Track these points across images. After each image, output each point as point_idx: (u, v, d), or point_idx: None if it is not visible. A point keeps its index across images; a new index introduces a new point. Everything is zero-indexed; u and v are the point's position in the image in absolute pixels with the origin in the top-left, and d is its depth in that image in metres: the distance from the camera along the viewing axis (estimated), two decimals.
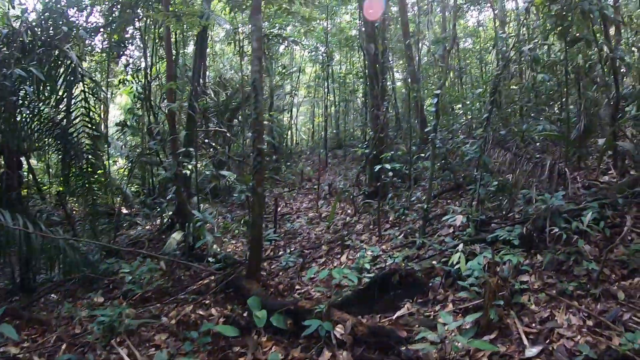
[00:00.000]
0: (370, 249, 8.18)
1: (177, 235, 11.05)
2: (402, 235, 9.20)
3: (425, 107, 14.59)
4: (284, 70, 26.34)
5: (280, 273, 9.37)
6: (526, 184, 9.20)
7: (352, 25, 23.45)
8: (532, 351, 4.91)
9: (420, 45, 19.64)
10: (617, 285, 5.83)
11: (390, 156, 10.63)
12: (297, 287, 8.40)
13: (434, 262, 6.93)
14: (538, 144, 10.92)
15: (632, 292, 5.64)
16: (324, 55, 22.00)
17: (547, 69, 12.59)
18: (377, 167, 9.98)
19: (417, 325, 5.78)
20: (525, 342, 5.12)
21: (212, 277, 8.50)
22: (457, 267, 6.28)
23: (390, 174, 11.82)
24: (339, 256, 9.58)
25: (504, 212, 8.38)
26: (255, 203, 8.36)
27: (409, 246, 8.49)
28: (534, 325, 5.42)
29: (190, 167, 11.26)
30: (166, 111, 12.06)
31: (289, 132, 28.52)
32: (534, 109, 13.48)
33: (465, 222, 7.41)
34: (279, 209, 15.58)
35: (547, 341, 5.10)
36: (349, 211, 12.86)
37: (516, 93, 14.57)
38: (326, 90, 22.84)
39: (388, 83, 14.88)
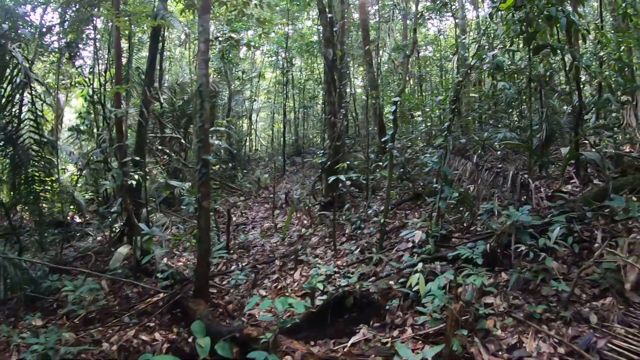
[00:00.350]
0: (323, 267, 7.48)
1: (123, 250, 10.13)
2: (359, 249, 8.55)
3: (384, 114, 14.05)
4: (243, 75, 25.59)
5: (232, 290, 8.65)
6: (488, 195, 8.71)
7: (313, 31, 22.89)
8: None
9: (380, 52, 19.26)
10: (589, 306, 5.31)
11: (347, 165, 9.99)
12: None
13: (392, 282, 6.30)
14: (499, 152, 10.49)
15: (605, 315, 5.12)
16: (284, 60, 21.35)
17: (508, 77, 12.26)
18: (332, 178, 9.30)
19: (373, 355, 5.12)
20: None
21: (161, 295, 7.88)
22: (416, 288, 5.63)
23: (348, 183, 11.21)
24: (292, 272, 8.87)
25: (465, 226, 7.84)
26: (202, 217, 7.64)
27: (366, 262, 7.85)
28: (500, 353, 4.84)
29: (137, 176, 10.34)
30: (112, 116, 11.13)
31: (248, 139, 27.75)
32: (493, 117, 13.14)
33: (425, 237, 6.79)
34: (233, 219, 14.87)
35: None
36: (305, 222, 12.16)
37: (476, 101, 14.23)
38: (285, 96, 22.16)
39: (347, 89, 14.28)
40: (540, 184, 8.95)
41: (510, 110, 13.35)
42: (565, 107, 11.46)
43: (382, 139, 9.99)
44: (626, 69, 9.54)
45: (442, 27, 21.51)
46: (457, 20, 17.55)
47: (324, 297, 6.58)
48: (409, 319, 5.79)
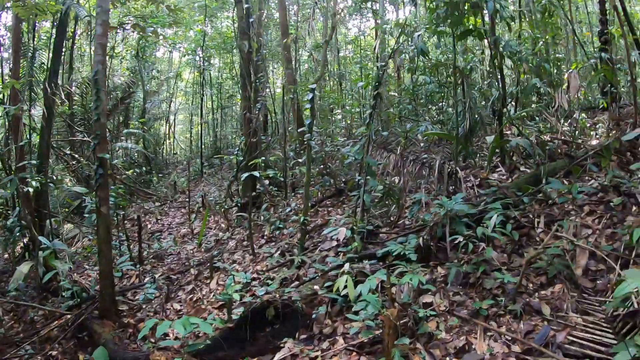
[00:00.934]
0: (239, 275, 6.43)
1: (24, 267, 8.55)
2: (279, 252, 7.59)
3: (302, 110, 13.22)
4: (158, 74, 23.95)
5: (144, 306, 7.58)
6: (414, 187, 8.06)
7: (232, 29, 21.67)
8: None
9: (298, 49, 18.52)
10: (538, 296, 4.70)
11: (263, 162, 9.01)
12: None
13: (316, 286, 5.40)
14: (422, 144, 9.94)
15: (558, 304, 4.51)
16: (202, 59, 20.04)
17: (429, 71, 11.84)
18: (245, 175, 8.29)
19: None
20: None
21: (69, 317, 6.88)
22: (344, 292, 4.75)
23: (266, 182, 10.24)
24: (208, 282, 7.80)
25: (392, 220, 7.10)
26: (101, 225, 6.55)
27: (287, 265, 6.93)
28: (448, 359, 4.07)
29: (35, 183, 8.84)
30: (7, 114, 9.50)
31: (167, 142, 26.07)
32: (414, 113, 12.69)
33: (350, 235, 5.93)
34: (148, 226, 13.50)
35: None
36: (223, 225, 11.04)
37: (395, 97, 13.77)
38: (203, 96, 20.81)
39: (265, 84, 13.27)
40: (466, 173, 8.44)
41: (430, 105, 12.97)
42: (484, 102, 11.15)
43: (299, 129, 9.08)
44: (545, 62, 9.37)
45: (363, 27, 21.19)
46: (378, 21, 17.14)
47: (242, 309, 5.55)
48: (339, 327, 4.91)
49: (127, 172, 17.27)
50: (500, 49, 7.67)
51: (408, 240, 5.46)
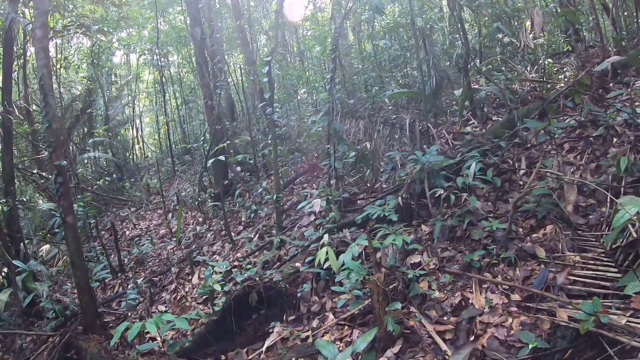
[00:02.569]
0: (218, 265, 5.93)
1: (3, 295, 7.96)
2: (257, 236, 7.13)
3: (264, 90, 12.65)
4: (116, 79, 23.00)
5: (129, 313, 7.07)
6: (387, 149, 7.65)
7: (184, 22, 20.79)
8: (457, 358, 3.14)
9: (255, 33, 17.88)
10: (530, 240, 4.35)
11: (232, 148, 8.49)
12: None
13: (298, 264, 4.97)
14: (390, 107, 9.51)
15: (552, 245, 4.18)
16: (158, 57, 19.18)
17: (389, 35, 11.37)
18: (210, 162, 7.77)
19: (293, 359, 3.78)
20: (444, 346, 3.37)
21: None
22: (327, 265, 4.32)
23: (238, 168, 9.73)
24: (190, 278, 7.33)
25: (368, 185, 6.68)
26: (69, 237, 6.01)
27: (267, 248, 6.47)
28: (446, 318, 3.73)
29: (2, 207, 8.31)
30: None
31: (136, 146, 25.19)
32: (378, 80, 12.24)
33: (326, 205, 5.47)
34: (127, 232, 12.87)
35: (472, 337, 3.38)
36: (200, 219, 10.51)
37: (358, 67, 13.29)
38: (165, 94, 19.97)
39: (227, 71, 12.62)
40: (439, 130, 8.07)
41: (394, 70, 12.51)
42: (448, 62, 10.75)
43: (260, 104, 8.50)
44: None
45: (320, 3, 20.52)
46: None
47: (225, 299, 5.09)
48: (327, 302, 4.51)
49: (97, 182, 16.53)
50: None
51: (387, 202, 5.05)
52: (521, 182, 5.17)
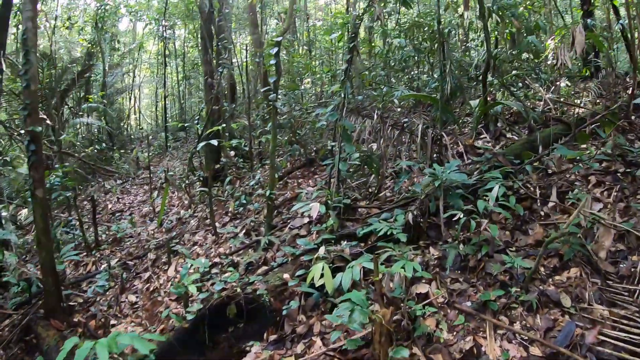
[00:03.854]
0: (196, 263, 5.24)
1: None
2: (244, 231, 6.45)
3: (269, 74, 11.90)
4: (118, 46, 21.99)
5: (99, 299, 6.46)
6: (394, 154, 7.00)
7: None
8: None
9: (267, 16, 17.07)
10: (552, 282, 3.71)
11: (227, 131, 7.78)
12: (113, 320, 5.68)
13: (286, 275, 4.30)
14: (399, 109, 8.85)
15: (578, 293, 3.56)
16: (164, 28, 18.30)
17: (404, 34, 10.66)
18: (200, 145, 7.06)
19: None
20: None
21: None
22: (320, 282, 3.67)
23: (232, 153, 9.02)
24: (166, 268, 6.66)
25: (371, 192, 6.03)
26: (37, 212, 5.45)
27: (253, 247, 5.80)
28: None
29: None
30: None
31: (132, 116, 24.27)
32: (386, 80, 11.56)
33: (325, 210, 4.80)
34: (109, 206, 12.09)
35: None
36: (187, 202, 9.79)
37: (367, 63, 12.59)
38: (166, 66, 19.05)
39: (232, 50, 11.82)
40: (450, 140, 7.45)
41: (404, 72, 11.83)
42: (458, 70, 10.10)
43: (263, 89, 7.71)
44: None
45: None
46: None
47: (200, 305, 4.40)
48: (315, 325, 3.87)
49: (86, 150, 15.71)
50: (489, 4, 6.60)
51: (394, 217, 4.40)
52: (542, 213, 4.56)
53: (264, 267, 5.15)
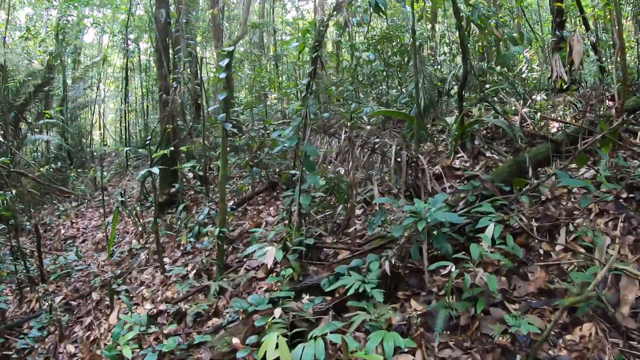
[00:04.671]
0: (131, 319, 4.22)
1: None
2: (195, 271, 5.46)
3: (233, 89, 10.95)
4: (81, 59, 20.80)
5: (37, 346, 5.49)
6: (364, 179, 6.16)
7: None
8: None
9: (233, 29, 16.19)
10: (564, 344, 2.92)
11: (184, 153, 6.81)
12: None
13: (236, 339, 3.35)
14: (369, 127, 8.05)
15: (597, 357, 2.74)
16: (127, 40, 17.22)
17: (373, 47, 9.92)
18: (140, 174, 6.08)
19: None
20: None
21: None
22: (275, 355, 2.75)
23: (190, 175, 8.07)
24: (109, 313, 5.67)
25: (339, 225, 5.15)
26: None
27: (204, 292, 4.82)
28: None
29: None
30: None
31: (95, 132, 22.96)
32: (354, 95, 10.79)
33: (282, 255, 3.86)
34: (62, 231, 10.92)
35: None
36: (141, 229, 8.74)
37: (334, 77, 11.83)
38: (127, 81, 17.94)
39: (190, 62, 10.82)
40: (425, 160, 6.68)
41: (373, 86, 11.09)
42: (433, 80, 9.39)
43: (209, 108, 6.73)
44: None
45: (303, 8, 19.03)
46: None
47: None
48: None
49: (41, 169, 14.44)
50: (465, 14, 5.85)
51: (367, 264, 3.53)
52: (542, 251, 3.77)
53: (215, 320, 4.22)
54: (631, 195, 4.19)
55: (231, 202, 7.67)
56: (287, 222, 4.82)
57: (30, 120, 17.12)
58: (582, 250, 3.59)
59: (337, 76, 11.73)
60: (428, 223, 3.21)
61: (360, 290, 3.10)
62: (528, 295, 3.38)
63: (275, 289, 3.89)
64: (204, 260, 5.35)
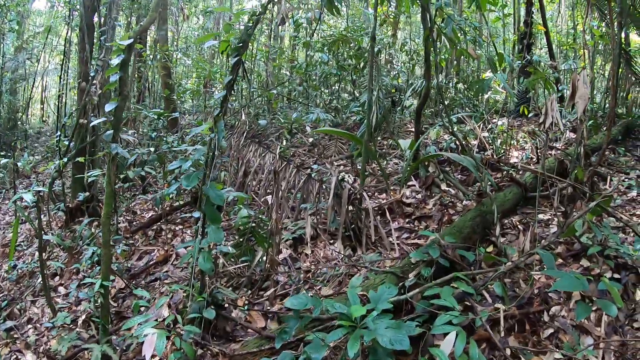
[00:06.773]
0: None
1: None
2: (82, 319, 4.08)
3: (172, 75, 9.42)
4: (22, 28, 18.30)
5: None
6: (297, 215, 4.93)
7: None
8: None
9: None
10: None
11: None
12: None
13: None
14: (311, 139, 6.83)
15: None
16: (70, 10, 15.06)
17: (328, 48, 8.66)
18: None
19: None
20: None
21: None
22: None
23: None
24: None
25: (256, 279, 3.88)
26: None
27: (89, 354, 3.51)
28: None
29: None
30: None
31: (38, 107, 20.46)
32: (304, 95, 9.56)
33: (168, 342, 2.60)
34: None
35: None
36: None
37: (286, 75, 10.54)
38: (65, 54, 15.67)
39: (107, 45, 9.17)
40: (370, 189, 5.54)
41: (324, 89, 9.88)
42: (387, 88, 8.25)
43: (95, 121, 5.14)
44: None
45: None
46: None
47: None
48: None
49: None
50: (438, 24, 4.71)
51: None
52: (509, 352, 2.70)
53: None
54: (617, 276, 3.21)
55: (150, 214, 6.30)
56: (189, 272, 3.54)
57: None
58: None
59: (290, 76, 10.42)
60: (363, 341, 2.05)
61: None
62: None
63: None
64: (95, 305, 3.95)
